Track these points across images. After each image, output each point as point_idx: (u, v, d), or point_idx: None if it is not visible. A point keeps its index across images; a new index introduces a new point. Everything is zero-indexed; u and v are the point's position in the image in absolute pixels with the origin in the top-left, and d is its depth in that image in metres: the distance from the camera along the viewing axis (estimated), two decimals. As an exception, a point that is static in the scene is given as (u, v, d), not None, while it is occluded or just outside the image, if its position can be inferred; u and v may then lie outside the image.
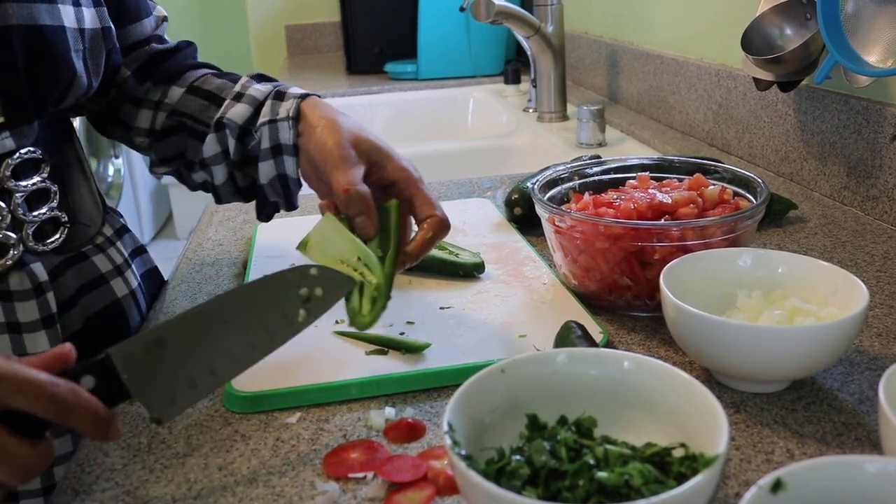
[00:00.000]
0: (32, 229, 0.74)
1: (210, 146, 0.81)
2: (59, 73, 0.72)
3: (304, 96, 0.79)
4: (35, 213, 0.74)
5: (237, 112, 0.80)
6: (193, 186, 0.89)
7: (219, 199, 0.86)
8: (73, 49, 0.73)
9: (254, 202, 0.85)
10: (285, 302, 0.57)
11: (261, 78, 0.85)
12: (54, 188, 0.76)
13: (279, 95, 0.80)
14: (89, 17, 0.76)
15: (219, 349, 0.55)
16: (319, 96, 0.80)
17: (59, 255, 0.77)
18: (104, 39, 0.78)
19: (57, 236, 0.76)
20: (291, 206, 0.82)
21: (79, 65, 0.74)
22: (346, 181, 0.69)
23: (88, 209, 0.83)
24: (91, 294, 0.80)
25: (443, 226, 0.71)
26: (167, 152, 0.87)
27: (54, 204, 0.76)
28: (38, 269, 0.73)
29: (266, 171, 0.79)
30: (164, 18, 0.92)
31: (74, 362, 0.53)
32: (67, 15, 0.73)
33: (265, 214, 0.85)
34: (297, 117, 0.77)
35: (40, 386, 0.49)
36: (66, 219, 0.77)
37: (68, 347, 0.53)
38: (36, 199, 0.75)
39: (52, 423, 0.50)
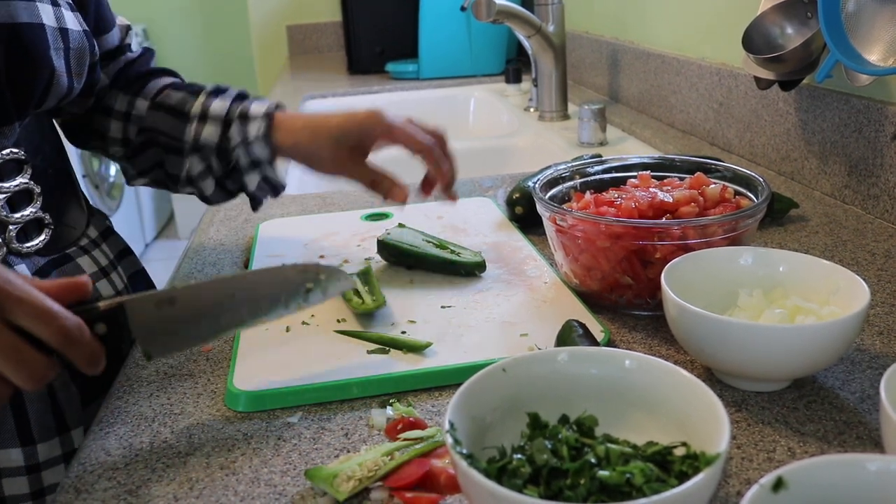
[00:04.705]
0: (16, 231, 0.73)
1: (195, 165, 0.87)
2: (37, 71, 0.71)
3: (268, 116, 0.85)
4: (18, 215, 0.73)
5: (208, 133, 0.86)
6: (178, 191, 0.93)
7: (209, 203, 0.92)
8: (52, 47, 0.72)
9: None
10: (290, 292, 0.64)
11: (217, 92, 0.89)
12: (38, 189, 0.75)
13: (243, 117, 0.85)
14: (70, 19, 0.76)
15: (218, 316, 0.61)
16: (278, 106, 0.87)
17: (44, 256, 0.76)
18: (87, 42, 0.78)
19: (42, 237, 0.76)
20: (278, 194, 0.91)
21: (59, 63, 0.73)
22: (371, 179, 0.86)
23: (73, 211, 0.83)
24: None
25: (435, 144, 0.86)
26: (145, 165, 0.91)
27: (38, 205, 0.75)
28: (23, 270, 0.73)
29: (252, 180, 0.87)
30: (129, 27, 0.95)
31: (90, 295, 0.58)
32: (46, 13, 0.72)
33: (256, 206, 0.93)
34: (268, 135, 0.84)
35: (53, 316, 0.53)
36: (50, 220, 0.77)
37: (85, 279, 0.58)
38: (19, 200, 0.74)
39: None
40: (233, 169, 0.87)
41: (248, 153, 0.85)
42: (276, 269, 0.64)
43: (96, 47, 0.81)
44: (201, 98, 0.88)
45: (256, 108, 0.86)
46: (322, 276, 0.65)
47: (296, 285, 0.64)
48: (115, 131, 0.89)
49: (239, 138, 0.84)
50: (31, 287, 0.54)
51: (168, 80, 0.92)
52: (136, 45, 0.95)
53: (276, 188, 0.89)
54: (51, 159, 0.80)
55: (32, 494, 0.74)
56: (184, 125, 0.86)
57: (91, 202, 0.92)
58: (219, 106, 0.86)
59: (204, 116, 0.86)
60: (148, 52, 0.96)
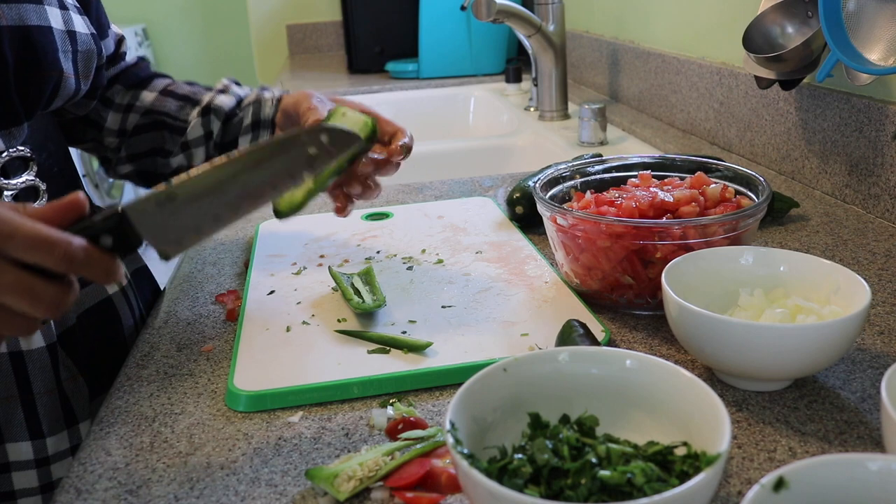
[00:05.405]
0: None
1: (195, 130, 0.91)
2: (45, 73, 0.73)
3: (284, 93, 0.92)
4: None
5: (223, 101, 0.92)
6: (161, 177, 0.95)
7: None
8: (60, 50, 0.74)
9: None
10: (294, 161, 0.59)
11: (236, 83, 0.97)
12: (43, 186, 0.76)
13: (265, 88, 0.93)
14: (79, 22, 0.78)
15: (224, 201, 0.58)
16: None
17: None
18: (95, 45, 0.80)
19: None
20: None
21: (67, 66, 0.75)
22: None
23: None
24: (83, 291, 0.80)
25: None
26: (140, 148, 0.93)
27: (43, 202, 0.76)
28: None
29: (243, 144, 0.91)
30: (123, 37, 0.98)
31: (88, 210, 0.55)
32: (54, 16, 0.74)
33: None
34: (280, 98, 0.91)
35: (53, 243, 0.50)
36: None
37: (81, 196, 0.55)
38: (25, 197, 0.75)
39: None
40: (229, 142, 0.92)
41: (255, 111, 0.91)
42: (275, 141, 0.59)
43: (104, 50, 0.83)
44: (224, 80, 0.96)
45: (278, 90, 0.95)
46: (324, 137, 0.60)
47: (297, 152, 0.59)
48: (113, 122, 0.93)
49: (254, 98, 0.92)
50: (24, 218, 0.51)
51: (172, 80, 0.98)
52: (129, 55, 1.00)
53: None
54: (55, 157, 0.82)
55: (41, 488, 0.75)
56: (191, 108, 0.92)
57: (91, 200, 0.93)
58: (241, 89, 0.95)
59: (224, 91, 0.94)
60: (144, 61, 1.00)
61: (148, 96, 0.93)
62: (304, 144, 0.59)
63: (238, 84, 0.97)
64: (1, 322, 0.52)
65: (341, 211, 0.86)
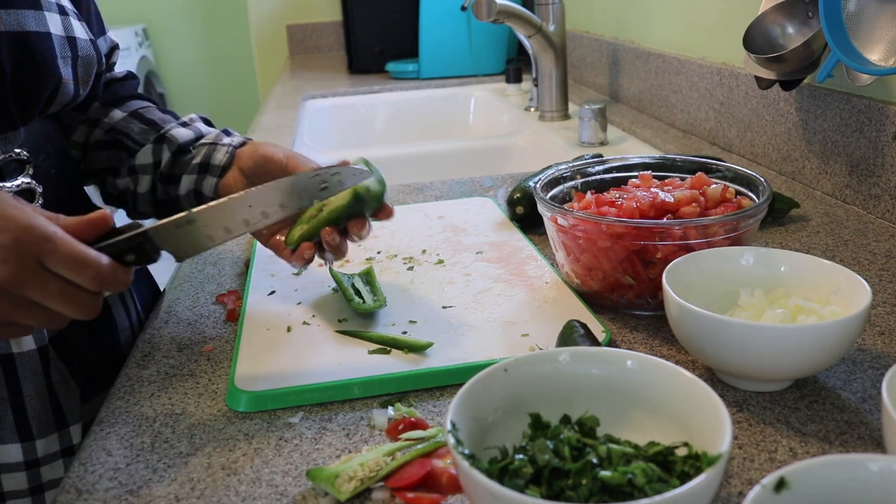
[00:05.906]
0: None
1: (144, 155, 0.87)
2: (43, 78, 0.72)
3: (248, 140, 0.87)
4: None
5: (181, 133, 0.88)
6: (110, 196, 0.92)
7: (134, 208, 0.91)
8: (59, 56, 0.74)
9: None
10: (305, 190, 0.67)
11: (206, 121, 0.93)
12: (39, 189, 0.76)
13: (227, 132, 0.89)
14: (79, 28, 0.78)
15: (237, 218, 0.65)
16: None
17: None
18: (95, 51, 0.80)
19: None
20: None
21: (66, 72, 0.75)
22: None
23: (76, 211, 0.83)
24: None
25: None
26: (97, 164, 0.90)
27: (38, 204, 0.76)
28: None
29: (186, 183, 0.85)
30: (117, 46, 0.95)
31: (111, 226, 0.60)
32: (54, 22, 0.74)
33: None
34: (241, 146, 0.85)
35: (87, 265, 0.56)
36: None
37: (108, 213, 0.59)
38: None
39: None
40: (175, 175, 0.86)
41: (207, 153, 0.85)
42: (290, 178, 0.66)
43: (103, 56, 0.82)
44: (190, 115, 0.92)
45: (240, 137, 0.89)
46: (336, 175, 0.67)
47: (311, 185, 0.66)
48: (79, 135, 0.91)
49: (212, 140, 0.87)
50: (63, 234, 0.56)
51: (152, 104, 0.95)
52: (129, 56, 0.97)
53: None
54: (54, 159, 0.81)
55: (31, 490, 0.75)
56: (154, 132, 0.88)
57: (91, 201, 0.92)
58: (204, 127, 0.90)
59: (186, 125, 0.90)
60: (133, 78, 0.98)
61: (117, 115, 0.90)
62: (320, 181, 0.66)
63: (207, 122, 0.92)
64: (42, 319, 0.57)
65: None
